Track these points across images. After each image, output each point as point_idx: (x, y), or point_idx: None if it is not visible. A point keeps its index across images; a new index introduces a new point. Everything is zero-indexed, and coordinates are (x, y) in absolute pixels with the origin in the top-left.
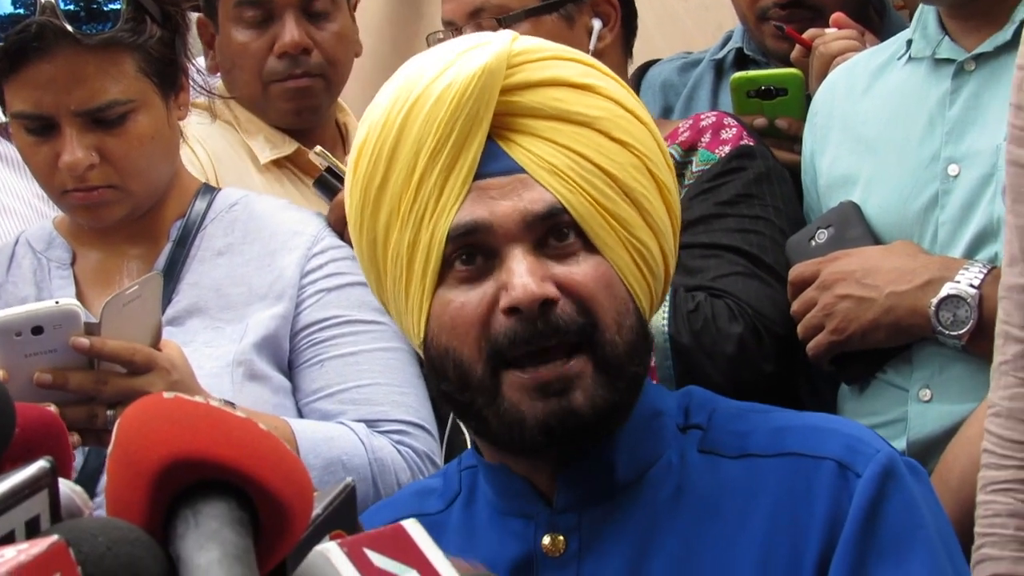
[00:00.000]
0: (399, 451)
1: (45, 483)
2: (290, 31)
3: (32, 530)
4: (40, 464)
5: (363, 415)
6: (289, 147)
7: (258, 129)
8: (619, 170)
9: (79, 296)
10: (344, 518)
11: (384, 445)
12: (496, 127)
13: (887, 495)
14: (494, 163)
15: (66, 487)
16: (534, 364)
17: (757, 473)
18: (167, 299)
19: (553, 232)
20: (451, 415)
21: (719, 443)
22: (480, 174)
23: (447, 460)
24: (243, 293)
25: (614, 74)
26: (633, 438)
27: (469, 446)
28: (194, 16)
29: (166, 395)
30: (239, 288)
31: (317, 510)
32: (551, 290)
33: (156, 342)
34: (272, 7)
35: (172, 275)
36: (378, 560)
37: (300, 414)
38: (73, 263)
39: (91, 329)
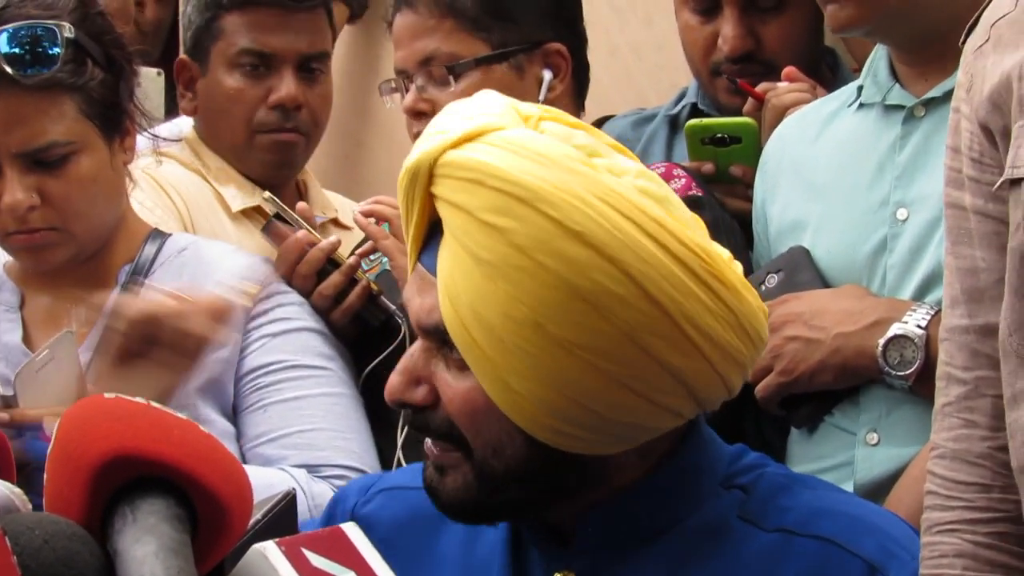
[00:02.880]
0: None
1: None
2: (288, 85)
3: None
4: None
5: (305, 460)
6: (259, 198)
7: (228, 178)
8: (498, 319)
9: (27, 340)
10: (283, 526)
11: (324, 491)
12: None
13: None
14: (427, 254)
15: (4, 487)
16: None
17: (786, 549)
18: None
19: (445, 342)
20: (395, 460)
21: (758, 513)
22: (420, 257)
23: None
24: None
25: (564, 198)
26: (663, 492)
27: None
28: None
29: (107, 395)
30: None
31: (256, 516)
32: (412, 396)
33: (82, 397)
34: (273, 60)
35: None
36: (316, 560)
37: (243, 459)
38: (22, 306)
39: (8, 401)
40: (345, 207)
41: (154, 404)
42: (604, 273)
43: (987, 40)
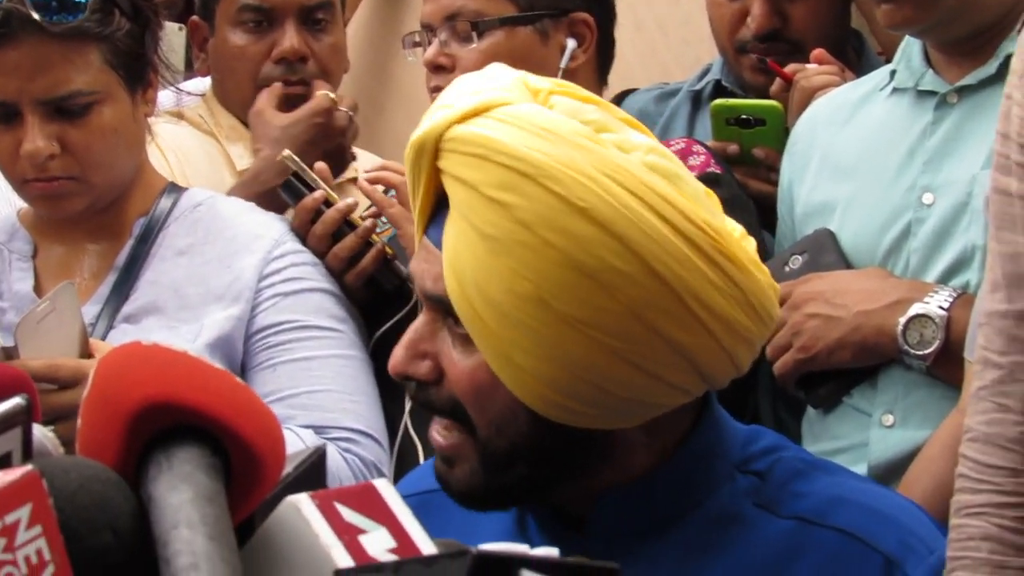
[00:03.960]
0: (345, 459)
1: (19, 420)
2: (290, 37)
3: (4, 467)
4: (15, 401)
5: (312, 421)
6: None
7: (240, 136)
8: (502, 295)
9: (38, 289)
10: (313, 481)
11: (330, 453)
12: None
13: None
14: (433, 228)
15: (38, 431)
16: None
17: (803, 538)
18: (125, 296)
19: (450, 312)
20: (402, 425)
21: (774, 499)
22: (427, 231)
23: (396, 471)
24: (200, 293)
25: (569, 174)
26: (679, 477)
27: (421, 458)
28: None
29: (145, 342)
30: (197, 288)
31: (287, 469)
32: (416, 370)
33: (84, 348)
34: (273, 13)
35: (131, 272)
36: (348, 515)
37: None
38: (35, 256)
39: (10, 353)
40: (373, 163)
41: (191, 353)
42: (609, 250)
43: None
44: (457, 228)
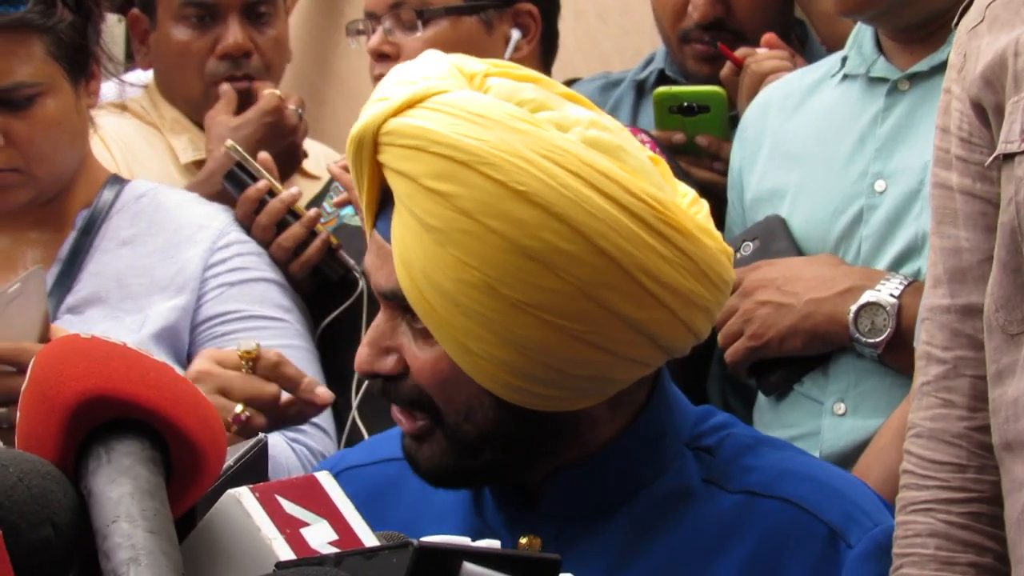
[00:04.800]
0: (293, 450)
1: None
2: (233, 33)
3: None
4: None
5: None
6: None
7: (184, 129)
8: (451, 284)
9: None
10: (255, 473)
11: (278, 443)
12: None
13: (879, 573)
14: (381, 222)
15: None
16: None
17: (750, 510)
18: (68, 287)
19: (408, 310)
20: (350, 416)
21: (723, 475)
22: (376, 225)
23: None
24: (144, 284)
25: (507, 159)
26: (630, 456)
27: None
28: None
29: (83, 335)
30: (141, 279)
31: (229, 462)
32: (382, 366)
33: (44, 335)
34: (216, 8)
35: (75, 264)
36: (289, 507)
37: None
38: None
39: None
40: (315, 152)
41: (130, 346)
42: (552, 231)
43: (981, 21)
44: (403, 221)
